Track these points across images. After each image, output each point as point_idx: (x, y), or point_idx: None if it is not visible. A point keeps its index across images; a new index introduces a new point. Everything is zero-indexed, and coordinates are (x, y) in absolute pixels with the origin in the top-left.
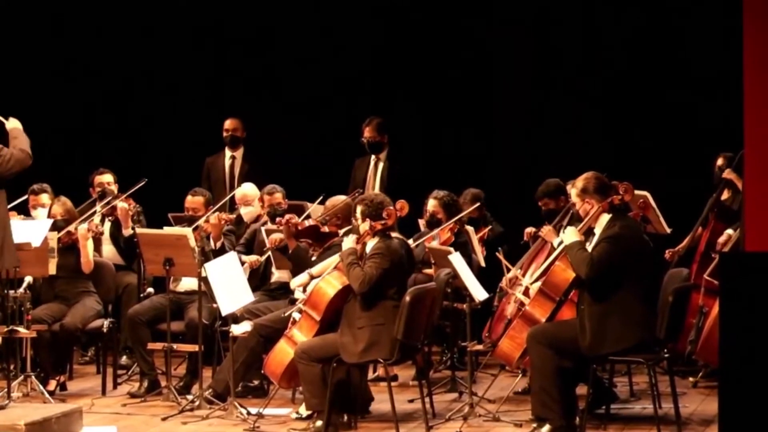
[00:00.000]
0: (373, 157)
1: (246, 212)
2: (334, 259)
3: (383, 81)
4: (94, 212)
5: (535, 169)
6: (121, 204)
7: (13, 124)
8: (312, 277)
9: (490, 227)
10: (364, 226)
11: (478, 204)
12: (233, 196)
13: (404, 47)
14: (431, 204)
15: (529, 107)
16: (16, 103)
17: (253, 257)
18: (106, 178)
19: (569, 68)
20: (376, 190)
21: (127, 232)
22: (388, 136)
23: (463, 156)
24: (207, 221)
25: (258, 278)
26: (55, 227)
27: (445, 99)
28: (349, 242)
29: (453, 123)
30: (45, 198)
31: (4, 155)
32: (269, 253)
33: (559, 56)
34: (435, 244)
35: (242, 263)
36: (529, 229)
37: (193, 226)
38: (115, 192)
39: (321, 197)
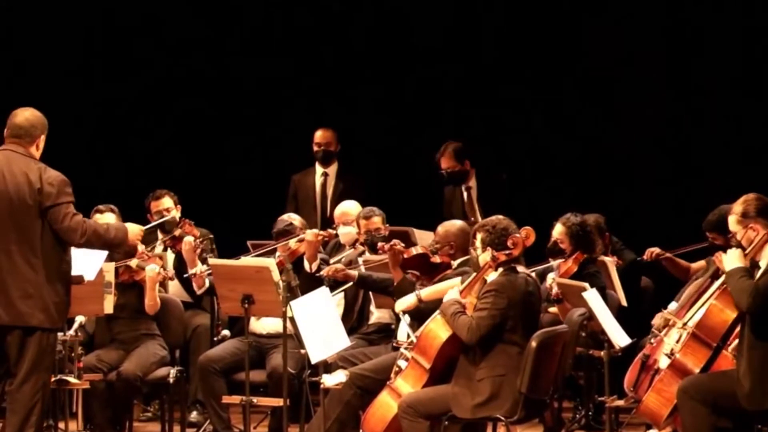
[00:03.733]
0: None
1: (345, 233)
2: (453, 282)
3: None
4: (154, 245)
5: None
6: (187, 238)
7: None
8: (420, 301)
9: (622, 258)
10: (485, 257)
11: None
12: (325, 220)
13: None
14: (557, 230)
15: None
16: (71, 115)
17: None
18: (165, 204)
19: None
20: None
21: (194, 271)
22: (471, 161)
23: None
24: (301, 240)
25: (354, 319)
26: (112, 259)
27: (557, 113)
28: (452, 294)
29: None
30: (110, 219)
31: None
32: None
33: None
34: (554, 276)
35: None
36: (653, 250)
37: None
38: (177, 218)
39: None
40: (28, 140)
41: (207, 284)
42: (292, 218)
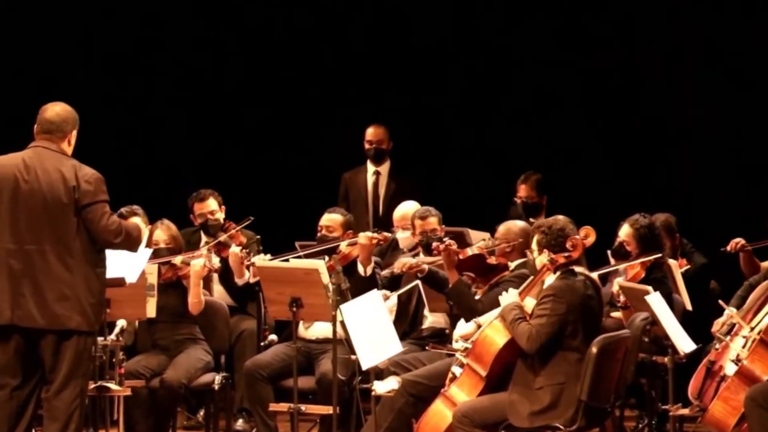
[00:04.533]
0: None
1: (404, 237)
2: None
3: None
4: (200, 246)
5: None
6: (233, 249)
7: None
8: (479, 329)
9: (692, 261)
10: (542, 260)
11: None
12: (377, 220)
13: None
14: (624, 231)
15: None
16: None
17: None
18: (210, 205)
19: None
20: None
21: (240, 281)
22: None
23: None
24: (353, 243)
25: (407, 323)
26: (157, 256)
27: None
28: (510, 296)
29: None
30: (137, 222)
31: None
32: (419, 290)
33: None
34: (621, 280)
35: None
36: (738, 240)
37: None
38: (221, 221)
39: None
40: (60, 136)
41: (248, 275)
42: (335, 219)
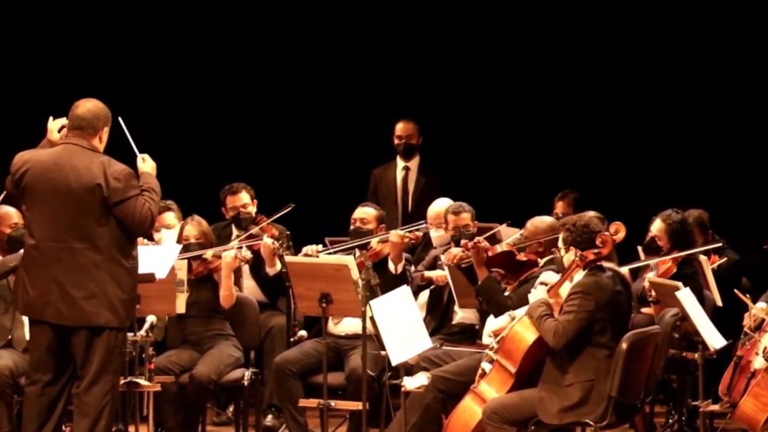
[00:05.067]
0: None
1: (438, 236)
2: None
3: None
4: (231, 240)
5: None
6: (266, 240)
7: (147, 166)
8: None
9: (725, 257)
10: (569, 257)
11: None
12: (407, 216)
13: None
14: (655, 226)
15: None
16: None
17: (439, 272)
18: (242, 199)
19: None
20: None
21: (271, 271)
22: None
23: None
24: (384, 241)
25: (437, 319)
26: (188, 251)
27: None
28: (539, 293)
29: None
30: (170, 218)
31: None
32: (450, 286)
33: None
34: (653, 275)
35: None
36: None
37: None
38: (253, 214)
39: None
40: (91, 132)
41: (278, 267)
42: (370, 212)
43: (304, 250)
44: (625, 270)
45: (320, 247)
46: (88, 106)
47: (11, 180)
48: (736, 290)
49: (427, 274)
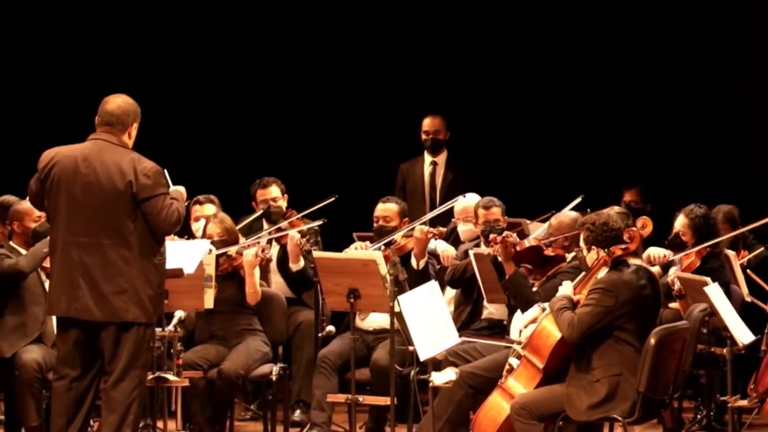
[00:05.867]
0: None
1: (465, 230)
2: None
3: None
4: (259, 235)
5: None
6: (292, 233)
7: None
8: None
9: (754, 252)
10: (591, 257)
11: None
12: (434, 209)
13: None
14: (680, 222)
15: None
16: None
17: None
18: (272, 192)
19: None
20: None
21: (294, 267)
22: None
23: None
24: (409, 235)
25: (465, 314)
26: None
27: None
28: (565, 289)
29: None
30: (211, 210)
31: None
32: (478, 281)
33: None
34: (676, 270)
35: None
36: None
37: (386, 239)
38: (284, 209)
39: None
40: (120, 128)
41: (302, 264)
42: (392, 209)
43: (353, 246)
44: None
45: (369, 243)
46: (117, 102)
47: (37, 178)
48: (762, 282)
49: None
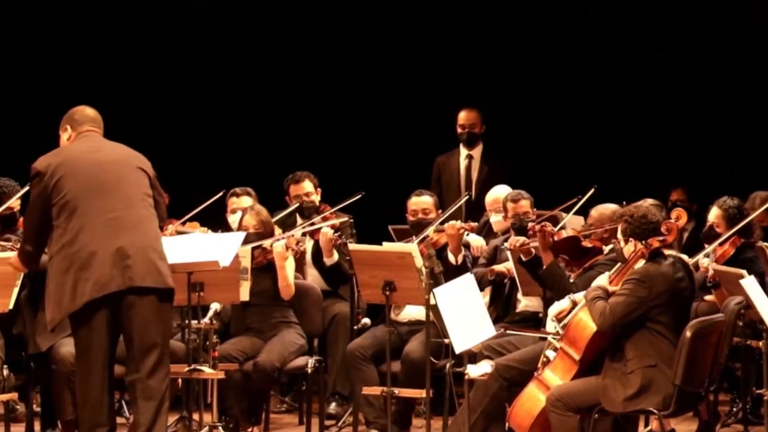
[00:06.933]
0: None
1: (497, 221)
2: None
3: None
4: (293, 232)
5: None
6: (324, 228)
7: None
8: (574, 305)
9: None
10: (629, 249)
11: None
12: (470, 204)
13: None
14: (713, 213)
15: None
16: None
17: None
18: (305, 187)
19: None
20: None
21: (328, 261)
22: None
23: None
24: (440, 230)
25: (500, 307)
26: (247, 241)
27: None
28: (601, 280)
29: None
30: (247, 202)
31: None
32: (514, 273)
33: None
34: (707, 261)
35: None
36: None
37: (422, 235)
38: (317, 203)
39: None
40: (101, 131)
41: (335, 258)
42: (429, 201)
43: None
44: (691, 261)
45: (460, 222)
46: (92, 110)
47: (42, 185)
48: None
49: (497, 268)
